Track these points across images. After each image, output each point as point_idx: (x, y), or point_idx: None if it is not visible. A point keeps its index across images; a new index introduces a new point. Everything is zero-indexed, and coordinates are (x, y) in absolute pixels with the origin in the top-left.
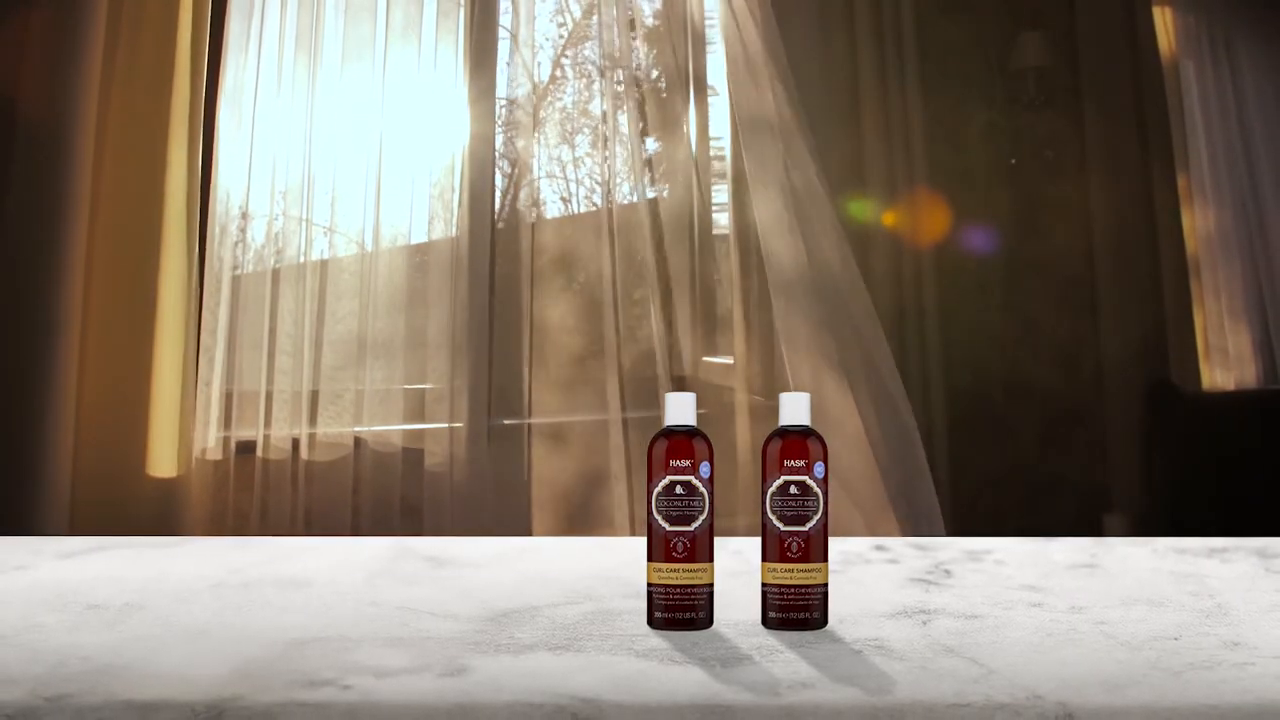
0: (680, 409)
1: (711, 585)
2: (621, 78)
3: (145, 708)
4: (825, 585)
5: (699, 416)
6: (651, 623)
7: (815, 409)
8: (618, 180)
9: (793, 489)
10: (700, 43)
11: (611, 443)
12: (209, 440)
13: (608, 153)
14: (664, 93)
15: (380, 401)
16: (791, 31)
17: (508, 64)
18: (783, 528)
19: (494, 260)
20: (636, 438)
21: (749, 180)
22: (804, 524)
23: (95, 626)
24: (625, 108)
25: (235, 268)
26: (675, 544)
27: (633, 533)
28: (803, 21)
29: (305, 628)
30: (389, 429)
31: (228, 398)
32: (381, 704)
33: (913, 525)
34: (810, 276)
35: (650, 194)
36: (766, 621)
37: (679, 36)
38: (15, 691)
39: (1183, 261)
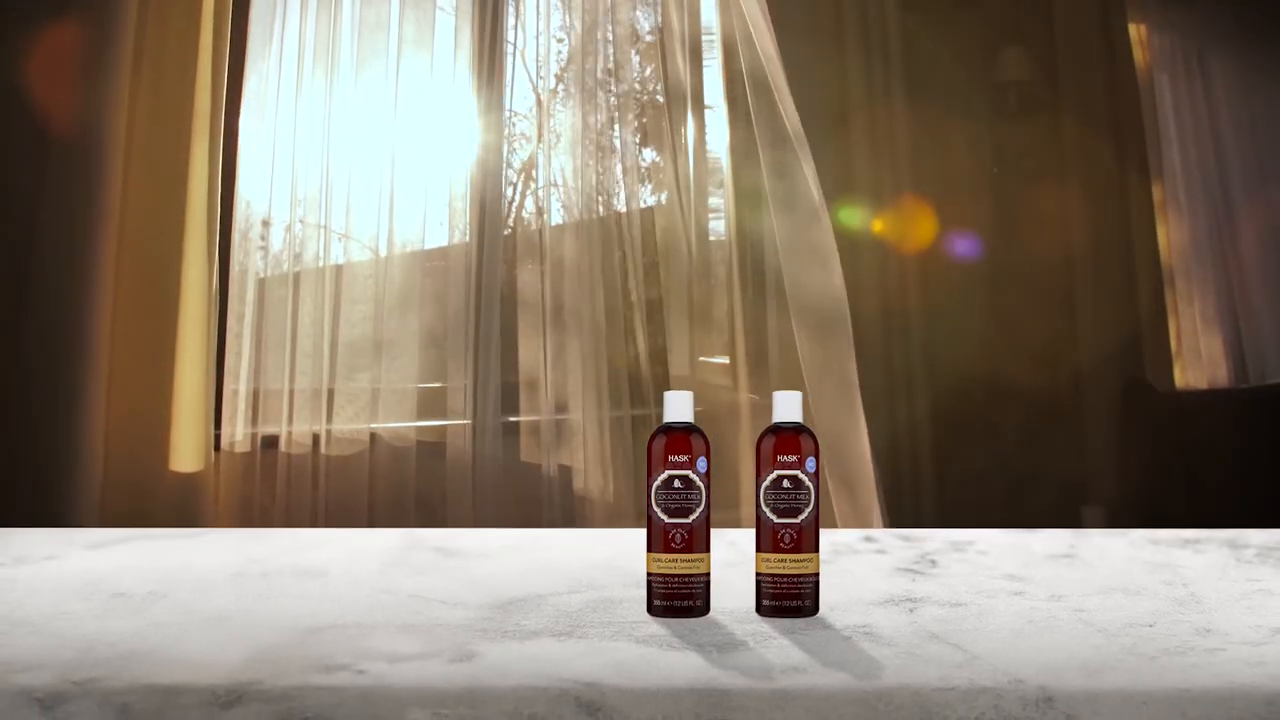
0: (678, 406)
1: (708, 575)
2: (621, 91)
3: (168, 691)
4: (816, 574)
5: (696, 413)
6: (651, 610)
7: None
8: (618, 189)
9: (785, 483)
10: (698, 57)
11: (614, 440)
12: (237, 434)
13: (608, 163)
14: (662, 105)
15: (393, 400)
16: (783, 46)
17: (514, 78)
18: (776, 520)
19: (501, 266)
20: (637, 434)
21: (768, 192)
22: (796, 516)
23: (121, 614)
24: (625, 120)
25: (258, 272)
26: (674, 535)
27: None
28: (793, 37)
29: (321, 615)
30: (400, 425)
31: (254, 395)
32: (394, 688)
33: None
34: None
35: (649, 202)
36: (760, 609)
37: (677, 51)
38: (45, 675)
39: (1157, 267)
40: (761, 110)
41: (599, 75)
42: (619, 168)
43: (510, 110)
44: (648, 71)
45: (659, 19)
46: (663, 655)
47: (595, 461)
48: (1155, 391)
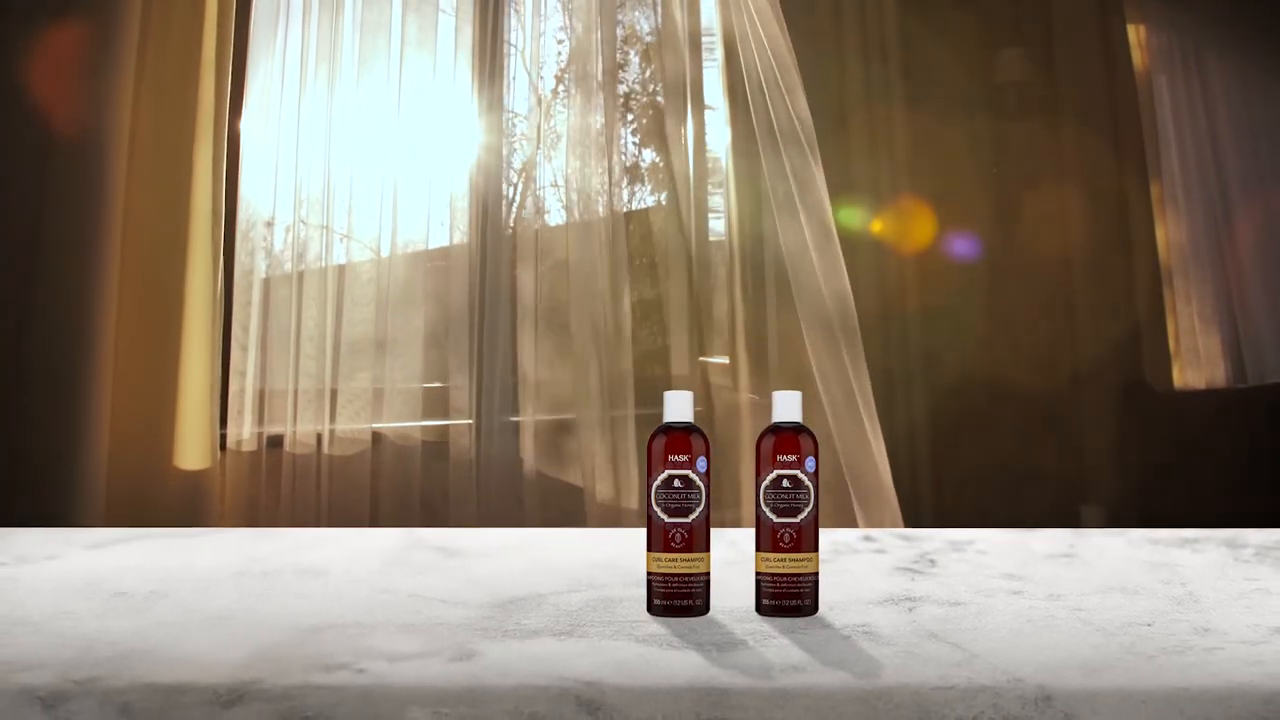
0: (678, 406)
1: (708, 574)
2: (621, 91)
3: (170, 690)
4: (816, 574)
5: (696, 413)
6: (651, 610)
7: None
8: (618, 189)
9: (785, 482)
10: (698, 56)
11: (613, 438)
12: (244, 434)
13: (608, 163)
14: (662, 105)
15: (396, 400)
16: (783, 48)
17: (514, 79)
18: (775, 519)
19: (502, 266)
20: (638, 434)
21: (771, 195)
22: (796, 515)
23: (122, 613)
24: (624, 120)
25: (261, 273)
26: (673, 535)
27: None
28: (793, 37)
29: (322, 614)
30: (402, 425)
31: (260, 395)
32: (394, 687)
33: None
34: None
35: (649, 202)
36: (760, 608)
37: (677, 52)
38: (46, 674)
39: (1155, 266)
40: (764, 110)
41: (599, 75)
42: (619, 168)
43: (510, 111)
44: (648, 72)
45: (659, 19)
46: (663, 654)
47: (595, 461)
48: (1154, 391)
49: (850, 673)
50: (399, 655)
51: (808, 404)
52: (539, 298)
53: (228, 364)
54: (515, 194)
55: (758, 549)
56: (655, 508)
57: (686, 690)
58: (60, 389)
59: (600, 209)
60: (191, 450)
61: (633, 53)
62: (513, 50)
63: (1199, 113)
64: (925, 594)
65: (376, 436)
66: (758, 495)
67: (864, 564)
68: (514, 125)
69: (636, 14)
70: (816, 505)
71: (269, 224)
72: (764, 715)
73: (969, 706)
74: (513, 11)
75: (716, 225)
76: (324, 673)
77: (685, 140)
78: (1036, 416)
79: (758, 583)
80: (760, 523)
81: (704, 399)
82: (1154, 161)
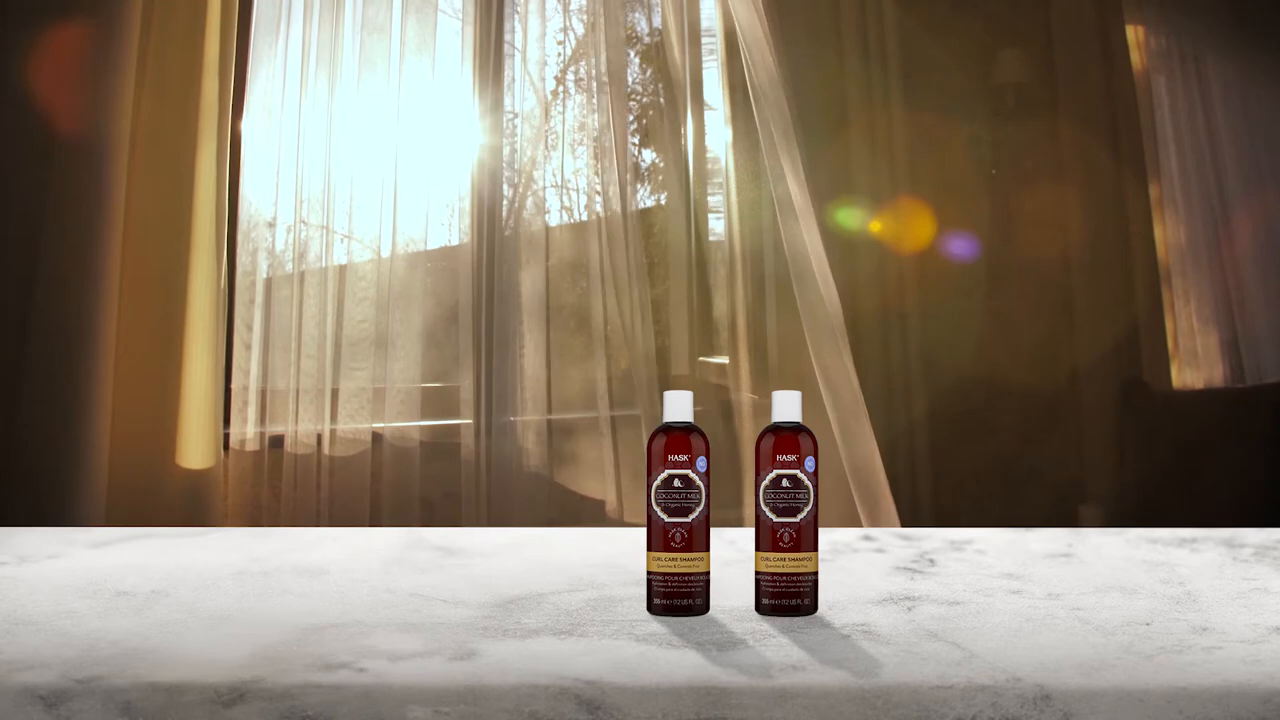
0: (678, 406)
1: (708, 573)
2: (621, 92)
3: (171, 689)
4: (815, 573)
5: (696, 413)
6: (651, 609)
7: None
8: (618, 189)
9: (785, 482)
10: (698, 58)
11: (613, 439)
12: (247, 433)
13: (608, 163)
14: (662, 105)
15: (396, 401)
16: (782, 48)
17: (515, 80)
18: (775, 519)
19: (503, 266)
20: (637, 433)
21: (773, 195)
22: (795, 515)
23: (124, 612)
24: (625, 120)
25: (261, 272)
26: (673, 534)
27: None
28: (792, 38)
29: (323, 613)
30: (402, 425)
31: (262, 395)
32: (395, 686)
33: None
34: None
35: (649, 202)
36: (760, 608)
37: (677, 52)
38: (48, 674)
39: (1154, 266)
40: (764, 109)
41: (599, 76)
42: (619, 168)
43: (511, 111)
44: (648, 72)
45: (659, 20)
46: (662, 654)
47: (596, 460)
48: (1152, 391)
49: (849, 672)
50: (399, 654)
51: (808, 403)
52: (539, 298)
53: (230, 364)
54: (515, 194)
55: (757, 549)
56: (655, 507)
57: (686, 689)
58: (60, 389)
59: (600, 209)
60: (195, 449)
61: (633, 53)
62: (513, 51)
63: (1197, 113)
64: (924, 593)
65: (376, 436)
66: (757, 495)
67: (863, 563)
68: (514, 126)
69: (636, 14)
70: (816, 505)
71: (270, 224)
72: (764, 714)
73: (968, 706)
74: (513, 13)
75: (716, 225)
76: (325, 672)
77: (685, 140)
78: (1035, 416)
79: (757, 582)
80: (760, 522)
81: (704, 399)
82: (1152, 162)
